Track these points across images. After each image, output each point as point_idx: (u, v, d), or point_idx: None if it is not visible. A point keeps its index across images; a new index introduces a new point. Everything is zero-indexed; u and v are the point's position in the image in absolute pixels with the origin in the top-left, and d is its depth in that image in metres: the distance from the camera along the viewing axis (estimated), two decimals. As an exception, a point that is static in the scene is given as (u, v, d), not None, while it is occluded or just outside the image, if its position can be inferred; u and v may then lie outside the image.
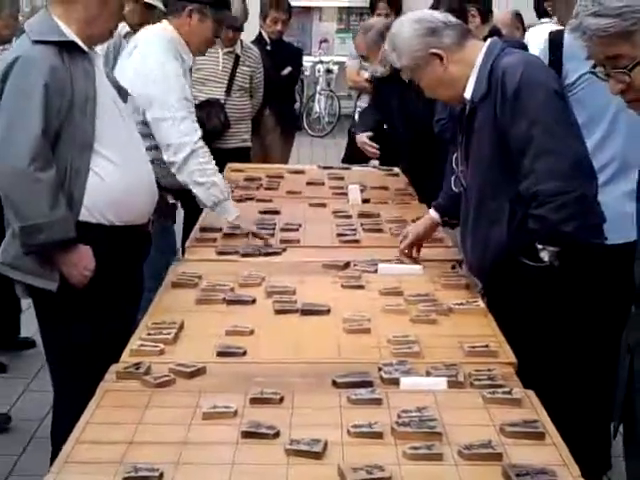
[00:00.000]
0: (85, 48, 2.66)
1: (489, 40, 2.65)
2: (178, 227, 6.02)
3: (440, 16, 2.66)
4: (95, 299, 2.64)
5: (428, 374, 2.10)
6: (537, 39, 4.09)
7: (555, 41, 3.13)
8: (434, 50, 2.57)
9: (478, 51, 2.60)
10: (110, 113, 2.70)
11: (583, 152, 2.49)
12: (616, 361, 1.97)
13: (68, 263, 2.61)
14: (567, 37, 3.08)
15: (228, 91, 5.31)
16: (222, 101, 5.28)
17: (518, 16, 6.20)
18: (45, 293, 2.63)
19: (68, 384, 2.68)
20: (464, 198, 2.75)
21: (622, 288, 2.29)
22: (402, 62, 2.64)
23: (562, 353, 2.56)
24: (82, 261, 2.62)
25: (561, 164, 2.41)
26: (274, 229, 3.36)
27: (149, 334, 2.33)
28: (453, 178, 2.85)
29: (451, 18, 2.66)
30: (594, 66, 1.81)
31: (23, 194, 2.54)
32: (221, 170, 4.46)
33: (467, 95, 2.60)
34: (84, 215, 2.64)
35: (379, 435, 1.80)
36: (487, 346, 2.26)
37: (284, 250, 3.14)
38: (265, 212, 3.62)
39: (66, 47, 2.61)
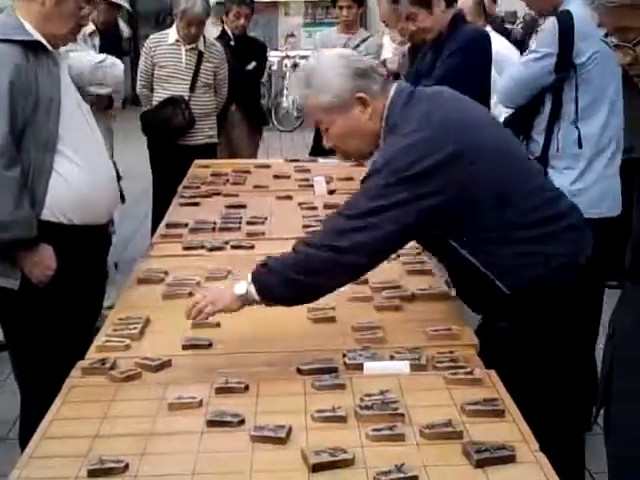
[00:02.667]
0: (50, 48, 2.66)
1: (392, 90, 2.32)
2: (146, 225, 6.05)
3: (366, 59, 2.42)
4: (57, 297, 2.65)
5: (392, 358, 2.13)
6: None
7: (565, 22, 3.18)
8: (361, 94, 2.26)
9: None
10: (73, 114, 2.72)
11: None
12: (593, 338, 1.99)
13: (30, 262, 2.62)
14: (577, 18, 3.14)
15: (192, 88, 5.32)
16: (186, 98, 5.29)
17: (480, 4, 6.26)
18: (7, 291, 2.64)
19: (33, 383, 2.69)
20: None
21: (598, 264, 2.33)
22: (319, 100, 2.27)
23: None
24: (44, 261, 2.64)
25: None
26: (240, 223, 3.38)
27: (115, 330, 2.34)
28: None
29: (375, 64, 2.42)
30: (606, 35, 1.80)
31: None
32: (187, 166, 4.49)
33: (369, 162, 2.41)
34: (45, 214, 2.65)
35: (343, 419, 1.83)
36: (449, 329, 2.29)
37: (252, 247, 3.13)
38: (231, 207, 3.64)
39: (31, 47, 2.62)
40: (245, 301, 2.22)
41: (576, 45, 3.19)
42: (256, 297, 2.19)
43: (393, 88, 2.32)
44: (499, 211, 2.22)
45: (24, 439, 2.47)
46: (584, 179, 3.28)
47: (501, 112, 3.99)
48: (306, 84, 2.29)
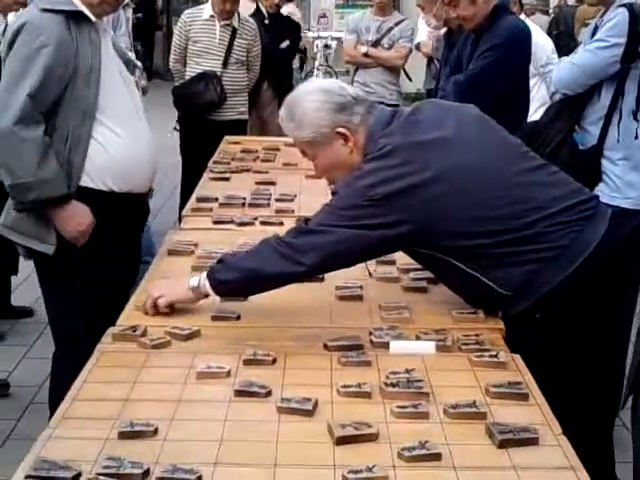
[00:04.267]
0: (93, 18, 2.69)
1: (370, 121, 2.31)
2: (174, 199, 6.09)
3: (350, 90, 2.38)
4: (93, 263, 2.69)
5: (417, 338, 2.15)
6: None
7: (634, 13, 3.17)
8: (341, 129, 2.27)
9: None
10: (115, 84, 2.75)
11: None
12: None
13: (61, 219, 2.67)
14: None
15: (225, 64, 5.34)
16: (219, 73, 5.31)
17: None
18: (44, 256, 2.69)
19: (68, 345, 2.73)
20: None
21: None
22: (300, 134, 2.31)
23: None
24: (75, 217, 2.68)
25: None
26: (269, 199, 3.40)
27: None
28: None
29: (360, 92, 2.43)
30: None
31: (10, 153, 2.60)
32: (217, 142, 4.52)
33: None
34: (84, 181, 2.70)
35: (368, 395, 1.85)
36: (475, 312, 2.31)
37: (281, 224, 3.15)
38: (260, 183, 3.66)
39: (73, 16, 2.64)
40: (198, 294, 2.27)
41: None
42: (209, 289, 2.25)
43: (373, 116, 2.32)
44: (477, 224, 2.22)
45: (54, 401, 2.53)
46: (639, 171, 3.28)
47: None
48: (289, 118, 2.33)
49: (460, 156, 2.25)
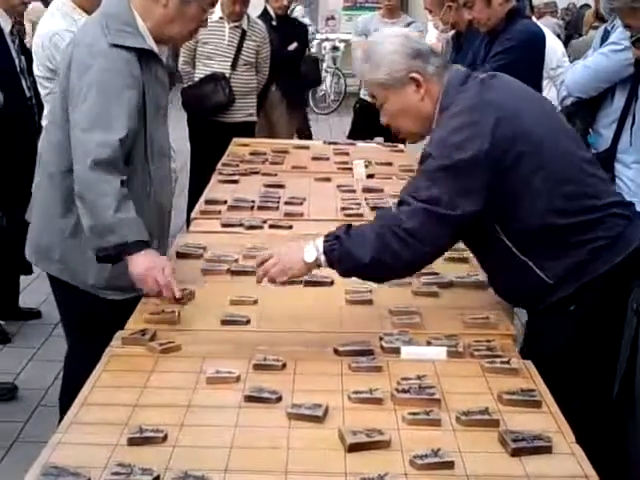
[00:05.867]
0: (163, 59, 2.61)
1: (448, 75, 2.34)
2: (181, 200, 6.08)
3: (426, 43, 2.45)
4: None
5: (429, 344, 2.14)
6: None
7: None
8: (415, 75, 2.30)
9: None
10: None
11: None
12: None
13: (136, 264, 2.41)
14: None
15: (234, 65, 5.34)
16: (227, 75, 5.31)
17: None
18: None
19: (79, 350, 2.69)
20: None
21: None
22: (374, 75, 2.33)
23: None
24: (153, 262, 2.42)
25: None
26: (278, 202, 3.39)
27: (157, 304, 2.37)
28: None
29: (436, 50, 2.46)
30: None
31: (95, 194, 2.39)
32: (226, 144, 4.51)
33: (426, 141, 2.40)
34: None
35: (379, 401, 1.84)
36: (487, 318, 2.29)
37: (290, 227, 3.14)
38: (269, 186, 3.65)
39: (145, 53, 2.49)
40: (313, 268, 2.27)
41: None
42: (327, 267, 2.24)
43: (449, 72, 2.34)
44: (542, 200, 2.21)
45: (64, 405, 2.51)
46: None
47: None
48: (365, 59, 2.36)
49: (539, 126, 2.26)
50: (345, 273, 2.26)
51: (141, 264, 2.39)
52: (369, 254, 2.16)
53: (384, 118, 2.40)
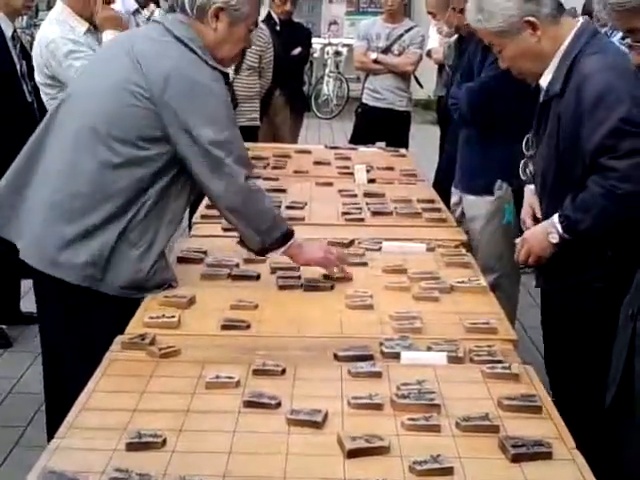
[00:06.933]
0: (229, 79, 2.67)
1: (580, 22, 2.47)
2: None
3: None
4: None
5: (429, 349, 2.13)
6: None
7: None
8: (530, 18, 2.39)
9: (569, 31, 2.43)
10: None
11: None
12: None
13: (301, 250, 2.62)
14: None
15: (237, 70, 5.34)
16: (230, 79, 5.30)
17: None
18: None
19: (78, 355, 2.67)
20: (535, 185, 2.70)
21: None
22: (490, 25, 2.42)
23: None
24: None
25: None
26: (279, 207, 3.38)
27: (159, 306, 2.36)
28: (522, 163, 2.77)
29: None
30: (623, 37, 1.86)
31: (254, 203, 2.53)
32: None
33: (542, 83, 2.49)
34: None
35: (379, 406, 1.83)
36: (487, 323, 2.28)
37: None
38: (271, 190, 3.64)
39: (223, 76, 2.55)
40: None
41: None
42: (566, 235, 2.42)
43: (580, 22, 2.46)
44: None
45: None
46: None
47: None
48: (478, 9, 2.45)
49: None
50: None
51: (315, 248, 2.63)
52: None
53: (503, 63, 2.50)
